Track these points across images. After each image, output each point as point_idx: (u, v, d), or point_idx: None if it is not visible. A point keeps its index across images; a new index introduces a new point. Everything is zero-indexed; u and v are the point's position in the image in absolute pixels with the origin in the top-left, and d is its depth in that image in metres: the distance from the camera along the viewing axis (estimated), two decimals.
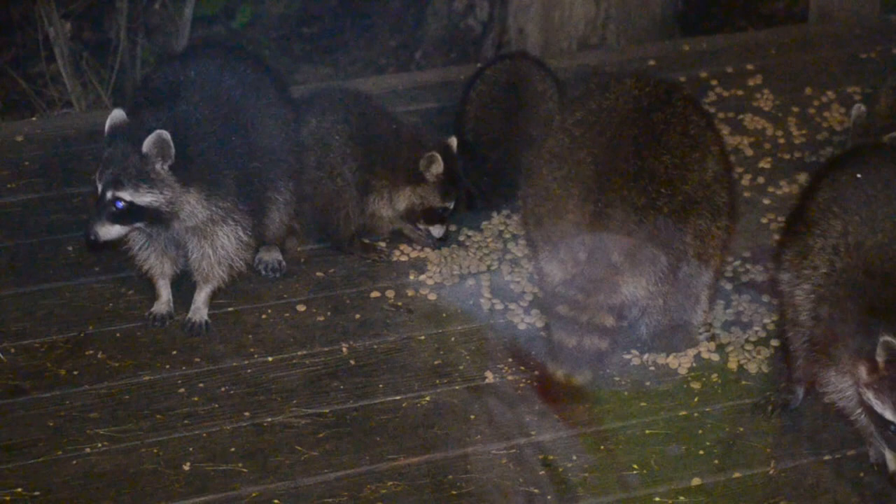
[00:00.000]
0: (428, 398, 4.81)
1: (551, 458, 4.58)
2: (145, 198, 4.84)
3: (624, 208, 4.74)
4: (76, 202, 5.65)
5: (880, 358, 4.20)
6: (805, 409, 4.77)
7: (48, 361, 4.92)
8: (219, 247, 5.02)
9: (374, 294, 5.28)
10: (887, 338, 4.16)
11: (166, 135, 4.79)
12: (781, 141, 6.20)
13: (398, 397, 4.82)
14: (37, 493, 4.41)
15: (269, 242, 5.34)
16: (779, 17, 7.76)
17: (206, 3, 7.16)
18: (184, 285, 5.14)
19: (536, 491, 4.46)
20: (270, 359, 4.97)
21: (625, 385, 4.88)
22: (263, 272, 5.35)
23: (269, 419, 4.71)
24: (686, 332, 4.99)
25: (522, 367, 4.94)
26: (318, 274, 5.38)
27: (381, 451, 4.59)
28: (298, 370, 4.92)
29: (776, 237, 5.37)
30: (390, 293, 5.28)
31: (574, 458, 4.58)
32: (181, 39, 6.90)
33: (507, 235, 5.57)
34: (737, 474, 4.54)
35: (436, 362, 4.97)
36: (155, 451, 4.57)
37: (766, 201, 5.79)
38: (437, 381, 4.88)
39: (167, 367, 4.91)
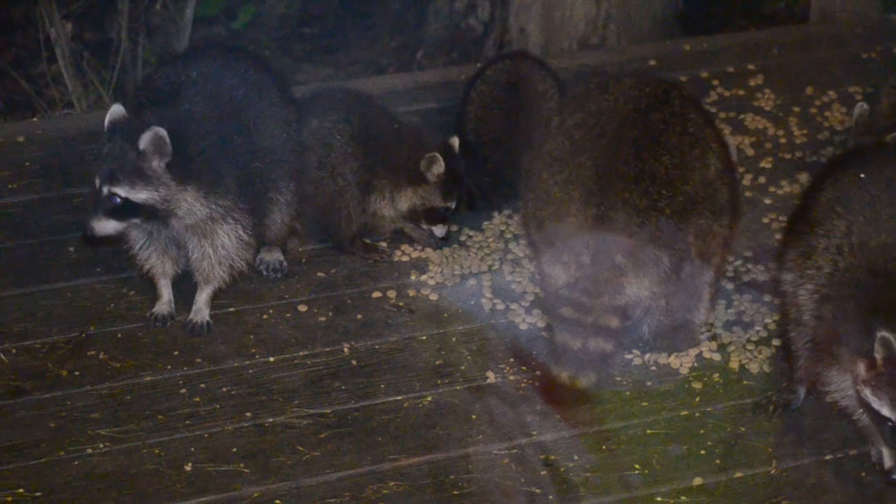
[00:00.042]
0: (429, 398, 4.81)
1: (553, 458, 4.58)
2: (140, 194, 4.84)
3: (626, 211, 4.74)
4: (77, 203, 5.65)
5: (878, 355, 4.21)
6: (807, 408, 4.77)
7: (49, 362, 4.92)
8: (219, 246, 5.02)
9: (376, 294, 5.28)
10: (883, 334, 4.17)
11: (162, 132, 4.79)
12: (783, 141, 6.20)
13: (400, 397, 4.82)
14: (38, 494, 4.41)
15: (270, 243, 5.34)
16: (780, 16, 7.76)
17: (207, 3, 7.16)
18: (185, 286, 5.14)
19: (538, 491, 4.46)
20: (272, 359, 4.97)
21: (626, 385, 4.88)
22: (265, 273, 5.35)
23: (271, 419, 4.71)
24: (688, 332, 4.99)
25: (524, 367, 4.94)
26: (320, 274, 5.38)
27: (382, 452, 4.59)
28: (300, 370, 4.92)
29: (778, 237, 5.37)
30: (392, 293, 5.28)
31: (576, 458, 4.58)
32: (182, 40, 6.91)
33: (509, 235, 5.57)
34: (738, 474, 4.54)
35: (437, 362, 4.97)
36: (156, 451, 4.57)
37: (768, 201, 5.79)
38: (439, 382, 4.88)
39: (169, 367, 4.91)
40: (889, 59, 6.78)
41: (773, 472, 4.55)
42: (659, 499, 4.46)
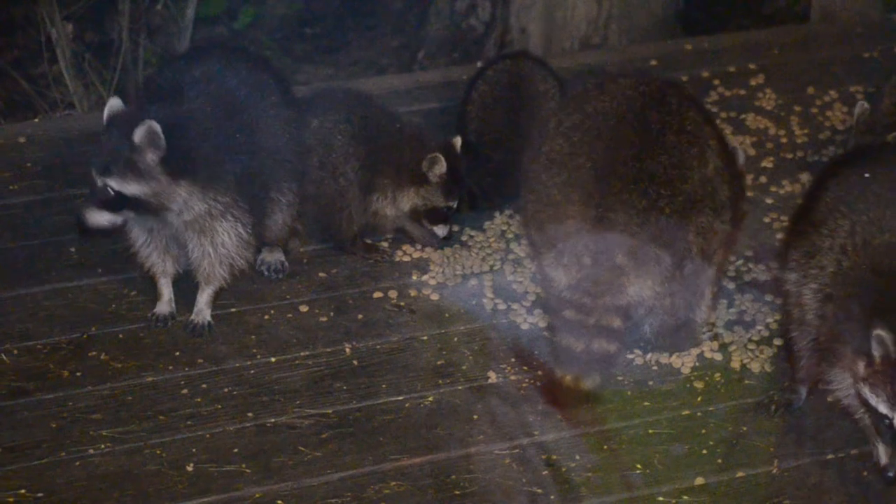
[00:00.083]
0: (431, 398, 4.81)
1: (554, 458, 4.58)
2: (131, 187, 4.84)
3: (626, 211, 4.74)
4: (78, 203, 5.64)
5: (876, 352, 4.22)
6: (808, 408, 4.77)
7: (51, 363, 4.92)
8: (219, 244, 5.02)
9: (377, 294, 5.28)
10: (879, 331, 4.18)
11: (156, 126, 4.79)
12: (784, 140, 6.20)
13: (401, 398, 4.81)
14: (40, 495, 4.41)
15: (271, 243, 5.34)
16: (781, 16, 7.76)
17: (208, 4, 7.16)
18: (186, 286, 5.14)
19: (540, 491, 4.46)
20: (273, 359, 4.97)
21: (628, 385, 4.88)
22: (266, 273, 5.35)
23: (273, 420, 4.71)
24: (689, 331, 4.99)
25: (525, 367, 4.94)
26: (321, 274, 5.38)
27: (384, 452, 4.59)
28: (301, 371, 4.92)
29: (779, 236, 5.37)
30: (393, 293, 5.27)
31: (577, 457, 4.58)
32: (183, 40, 6.90)
33: (510, 235, 5.57)
34: (740, 474, 4.53)
35: (438, 362, 4.97)
36: (158, 452, 4.57)
37: (769, 201, 5.79)
38: (440, 382, 4.88)
39: (170, 368, 4.91)
40: (890, 58, 6.77)
41: (774, 471, 4.55)
42: (661, 498, 4.46)
